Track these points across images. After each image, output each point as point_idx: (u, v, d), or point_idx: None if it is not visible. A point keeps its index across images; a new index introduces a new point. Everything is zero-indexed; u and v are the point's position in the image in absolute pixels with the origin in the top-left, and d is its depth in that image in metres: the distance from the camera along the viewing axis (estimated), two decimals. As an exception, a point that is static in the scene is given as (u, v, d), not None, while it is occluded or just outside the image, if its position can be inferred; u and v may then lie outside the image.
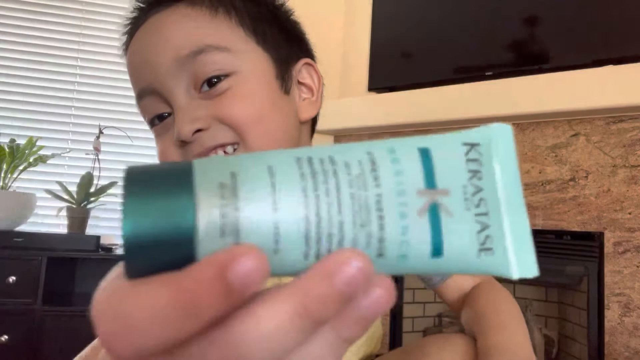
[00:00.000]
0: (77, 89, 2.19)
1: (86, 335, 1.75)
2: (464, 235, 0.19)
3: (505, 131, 0.20)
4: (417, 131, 1.84)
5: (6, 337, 1.67)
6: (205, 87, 0.47)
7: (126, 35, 0.53)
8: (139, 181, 0.17)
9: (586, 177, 1.49)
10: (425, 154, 0.19)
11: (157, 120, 0.50)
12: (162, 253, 0.16)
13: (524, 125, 1.62)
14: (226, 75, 0.47)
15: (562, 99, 1.48)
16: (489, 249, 0.19)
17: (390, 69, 1.87)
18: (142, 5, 0.51)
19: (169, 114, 0.49)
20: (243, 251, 0.15)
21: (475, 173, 0.19)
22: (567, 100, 1.47)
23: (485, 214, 0.19)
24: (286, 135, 0.50)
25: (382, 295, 0.17)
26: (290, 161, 0.18)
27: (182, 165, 0.18)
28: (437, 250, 0.18)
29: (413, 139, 0.20)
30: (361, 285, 0.17)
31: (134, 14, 0.52)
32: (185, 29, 0.47)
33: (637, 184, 1.41)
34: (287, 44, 0.54)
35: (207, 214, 0.17)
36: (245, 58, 0.48)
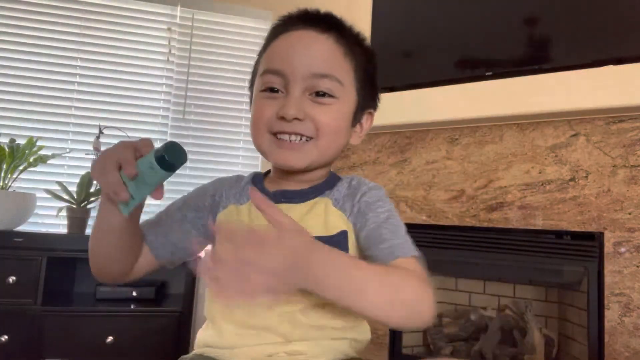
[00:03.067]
0: (77, 89, 2.19)
1: (86, 335, 1.76)
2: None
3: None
4: (417, 131, 1.84)
5: (6, 337, 1.67)
6: (314, 95, 0.69)
7: (285, 20, 0.73)
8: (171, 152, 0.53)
9: (586, 177, 1.49)
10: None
11: (268, 90, 0.70)
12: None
13: (524, 125, 1.62)
14: (331, 96, 0.69)
15: (562, 99, 1.48)
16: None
17: (390, 69, 1.87)
18: (310, 14, 0.72)
19: (279, 92, 0.70)
20: None
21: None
22: (567, 100, 1.47)
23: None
24: (338, 149, 0.74)
25: None
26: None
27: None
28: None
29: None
30: None
31: (301, 13, 0.72)
32: (327, 57, 0.69)
33: (637, 184, 1.41)
34: (369, 97, 0.77)
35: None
36: (346, 92, 0.71)
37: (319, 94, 0.68)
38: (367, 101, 0.76)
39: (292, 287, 0.50)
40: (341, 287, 0.53)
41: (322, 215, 0.70)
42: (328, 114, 0.69)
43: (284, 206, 0.71)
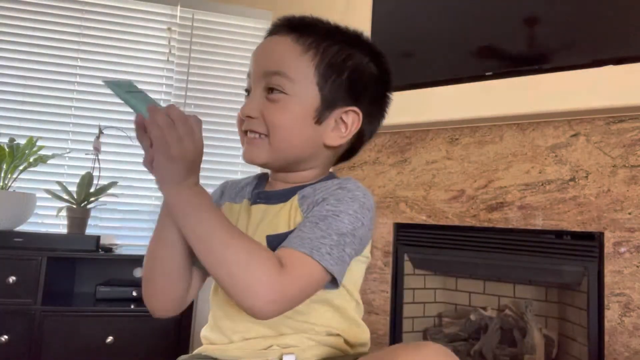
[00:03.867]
0: (77, 89, 2.20)
1: (86, 335, 1.76)
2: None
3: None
4: (417, 131, 1.84)
5: (6, 337, 1.67)
6: (270, 92, 0.70)
7: (268, 29, 0.77)
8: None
9: (586, 177, 1.49)
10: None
11: (246, 92, 0.75)
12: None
13: (524, 125, 1.62)
14: (281, 92, 0.69)
15: (562, 99, 1.48)
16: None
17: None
18: (281, 20, 0.74)
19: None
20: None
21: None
22: (567, 100, 1.47)
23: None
24: (300, 147, 0.71)
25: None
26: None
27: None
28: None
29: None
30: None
31: (276, 20, 0.75)
32: (280, 55, 0.70)
33: (637, 184, 1.41)
34: (343, 93, 0.72)
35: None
36: (301, 89, 0.69)
37: (271, 91, 0.69)
38: (338, 98, 0.71)
39: (167, 179, 0.58)
40: (188, 219, 0.59)
41: (288, 213, 0.69)
42: (276, 110, 0.69)
43: (260, 207, 0.72)
